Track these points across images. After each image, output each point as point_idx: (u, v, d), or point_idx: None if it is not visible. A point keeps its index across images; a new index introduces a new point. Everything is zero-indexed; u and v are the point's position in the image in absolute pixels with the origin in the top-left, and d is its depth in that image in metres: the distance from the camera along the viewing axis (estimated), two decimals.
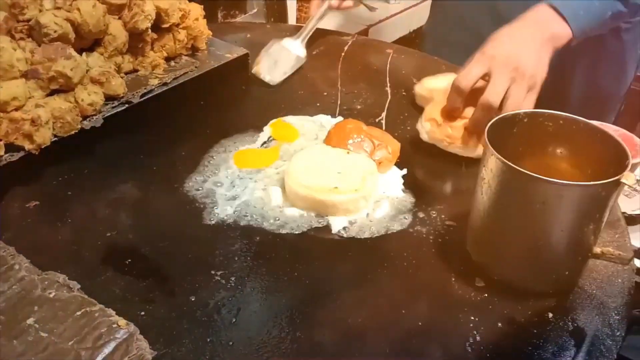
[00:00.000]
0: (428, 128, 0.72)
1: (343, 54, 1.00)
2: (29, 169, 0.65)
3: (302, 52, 0.83)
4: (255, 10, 1.22)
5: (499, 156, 0.51)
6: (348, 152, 0.65)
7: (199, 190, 0.67)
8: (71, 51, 0.66)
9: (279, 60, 0.82)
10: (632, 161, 0.50)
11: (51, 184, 0.66)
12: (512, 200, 0.52)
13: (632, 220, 0.82)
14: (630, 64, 1.06)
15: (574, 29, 0.74)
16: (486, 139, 0.53)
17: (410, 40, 2.03)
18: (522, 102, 0.68)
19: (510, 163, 0.50)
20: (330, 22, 1.62)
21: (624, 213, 0.68)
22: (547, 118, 0.58)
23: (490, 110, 0.67)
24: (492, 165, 0.52)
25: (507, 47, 0.70)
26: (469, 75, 0.70)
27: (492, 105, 0.68)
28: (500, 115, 0.57)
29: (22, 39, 0.65)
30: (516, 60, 0.68)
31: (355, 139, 0.67)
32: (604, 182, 0.48)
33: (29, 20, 0.66)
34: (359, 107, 0.86)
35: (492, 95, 0.68)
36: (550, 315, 0.54)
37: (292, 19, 1.33)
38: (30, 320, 0.43)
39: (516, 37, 0.72)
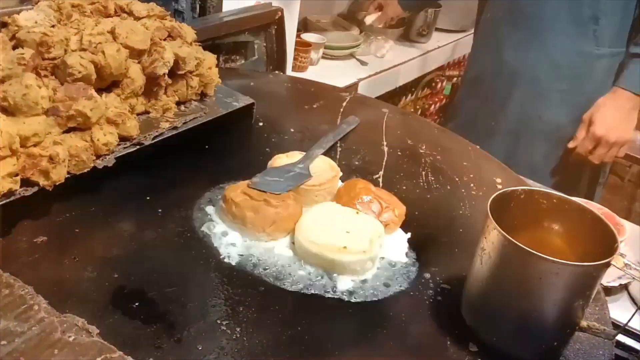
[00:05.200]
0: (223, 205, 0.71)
1: (342, 109, 1.05)
2: (39, 204, 0.65)
3: (308, 172, 0.76)
4: (255, 57, 1.26)
5: (501, 230, 0.55)
6: (357, 213, 0.68)
7: (204, 234, 0.69)
8: (92, 92, 0.68)
9: (282, 178, 0.74)
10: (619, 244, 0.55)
11: (59, 220, 0.67)
12: (510, 272, 0.56)
13: (608, 291, 0.88)
14: None
15: None
16: (489, 212, 0.57)
17: (395, 94, 2.12)
18: None
19: (511, 238, 0.54)
20: (325, 74, 1.69)
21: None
22: (541, 196, 0.62)
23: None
24: (493, 238, 0.56)
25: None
26: None
27: None
28: (499, 191, 0.61)
29: (45, 76, 0.66)
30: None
31: (364, 199, 0.70)
32: (596, 264, 0.53)
33: (54, 59, 0.67)
34: (357, 163, 0.90)
35: None
36: None
37: (289, 69, 1.38)
38: None
39: None
